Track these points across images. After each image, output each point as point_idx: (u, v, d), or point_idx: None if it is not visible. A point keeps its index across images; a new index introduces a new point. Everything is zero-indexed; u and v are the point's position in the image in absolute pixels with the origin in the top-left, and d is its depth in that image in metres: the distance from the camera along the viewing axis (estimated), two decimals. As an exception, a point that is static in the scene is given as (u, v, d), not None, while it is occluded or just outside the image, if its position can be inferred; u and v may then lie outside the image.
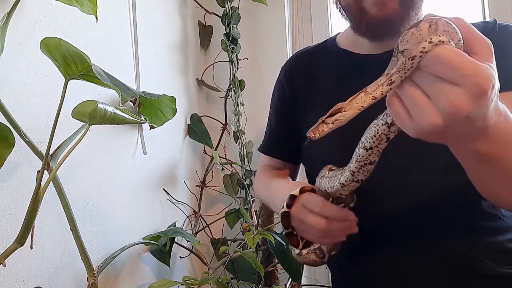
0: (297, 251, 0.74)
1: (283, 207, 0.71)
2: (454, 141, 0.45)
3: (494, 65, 0.41)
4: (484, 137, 0.44)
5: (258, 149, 1.04)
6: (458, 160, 0.51)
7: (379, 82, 0.46)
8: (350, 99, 0.48)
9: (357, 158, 0.55)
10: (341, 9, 0.80)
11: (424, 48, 0.40)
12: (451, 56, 0.38)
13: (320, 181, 0.68)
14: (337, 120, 0.48)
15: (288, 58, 0.99)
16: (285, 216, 0.71)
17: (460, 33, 0.41)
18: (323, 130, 0.49)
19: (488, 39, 0.43)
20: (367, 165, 0.54)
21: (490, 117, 0.42)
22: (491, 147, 0.45)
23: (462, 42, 0.41)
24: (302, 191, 0.71)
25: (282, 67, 0.97)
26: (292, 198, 0.71)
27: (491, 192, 0.56)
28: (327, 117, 0.49)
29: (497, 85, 0.41)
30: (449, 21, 0.41)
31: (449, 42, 0.40)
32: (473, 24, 0.78)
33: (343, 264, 0.83)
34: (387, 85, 0.44)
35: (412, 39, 0.41)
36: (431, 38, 0.39)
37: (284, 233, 0.73)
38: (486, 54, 0.41)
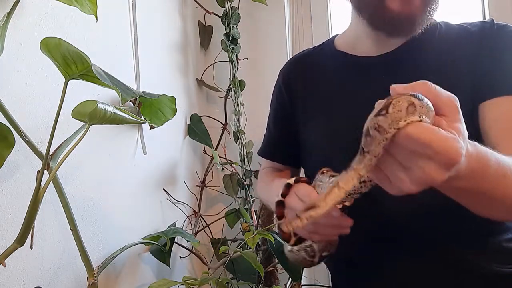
0: (288, 247, 0.73)
1: (277, 196, 0.70)
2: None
3: (461, 123, 0.44)
4: (459, 179, 0.47)
5: (257, 153, 1.03)
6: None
7: (351, 175, 0.47)
8: (324, 194, 0.48)
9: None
10: (356, 3, 0.79)
11: (399, 126, 0.42)
12: (424, 134, 0.41)
13: (316, 186, 0.68)
14: (311, 216, 0.48)
15: (287, 61, 0.98)
16: (279, 205, 0.69)
17: (432, 107, 0.43)
18: (297, 225, 0.49)
19: (453, 97, 0.46)
20: (357, 194, 0.53)
21: (461, 167, 0.45)
22: (469, 183, 0.49)
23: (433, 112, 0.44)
24: (297, 181, 0.70)
25: (280, 71, 0.97)
26: (288, 186, 0.69)
27: (480, 212, 0.59)
28: (304, 212, 0.49)
29: (465, 136, 0.45)
30: (423, 99, 0.43)
31: (424, 118, 0.42)
32: (470, 24, 0.80)
33: (342, 264, 0.83)
34: (358, 179, 0.47)
35: (389, 119, 0.42)
36: (406, 119, 0.42)
37: (277, 224, 0.71)
38: (453, 113, 0.44)
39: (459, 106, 0.46)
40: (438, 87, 0.46)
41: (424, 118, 0.42)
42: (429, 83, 0.46)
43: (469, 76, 0.72)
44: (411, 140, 0.41)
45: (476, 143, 0.50)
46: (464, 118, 0.56)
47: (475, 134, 0.70)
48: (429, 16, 0.74)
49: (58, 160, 0.80)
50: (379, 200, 0.70)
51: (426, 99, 0.43)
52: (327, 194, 0.48)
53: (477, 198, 0.54)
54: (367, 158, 0.45)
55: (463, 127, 0.44)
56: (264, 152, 1.00)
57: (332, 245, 0.70)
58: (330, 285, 1.17)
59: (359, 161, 0.46)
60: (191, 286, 1.06)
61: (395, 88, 0.46)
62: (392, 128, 0.42)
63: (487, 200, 0.55)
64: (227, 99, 1.62)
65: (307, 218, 0.48)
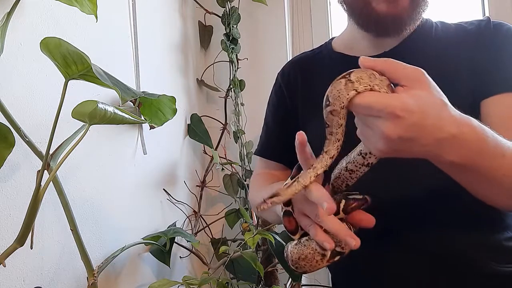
0: (295, 241, 0.64)
1: (287, 180, 0.63)
2: (422, 155, 0.51)
3: (422, 90, 0.48)
4: (449, 148, 0.49)
5: (254, 153, 1.00)
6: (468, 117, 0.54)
7: (310, 172, 0.56)
8: (286, 186, 0.57)
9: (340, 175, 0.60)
10: (345, 5, 0.80)
11: (347, 99, 0.50)
12: (365, 99, 0.48)
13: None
14: (273, 201, 0.56)
15: (285, 63, 0.98)
16: (286, 215, 0.64)
17: (386, 79, 0.49)
18: (263, 207, 0.56)
19: (418, 70, 0.50)
20: (350, 182, 0.60)
21: (443, 129, 0.48)
22: (463, 158, 0.50)
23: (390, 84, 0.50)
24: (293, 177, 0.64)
25: (278, 73, 0.96)
26: (299, 169, 0.62)
27: (481, 195, 0.59)
28: (268, 198, 0.57)
29: (436, 100, 0.48)
30: (372, 73, 0.50)
31: (375, 87, 0.49)
32: (467, 22, 0.80)
33: (343, 264, 0.83)
34: (314, 174, 0.56)
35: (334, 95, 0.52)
36: (348, 93, 0.50)
37: (282, 212, 0.64)
38: (413, 84, 0.48)
39: (425, 78, 0.49)
40: (402, 63, 0.50)
41: (376, 88, 0.49)
42: (392, 60, 0.51)
43: (469, 75, 0.73)
44: (357, 107, 0.49)
45: (471, 118, 0.51)
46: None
47: None
48: (418, 16, 0.75)
49: (58, 160, 0.80)
50: (379, 200, 0.70)
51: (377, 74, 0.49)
52: (288, 187, 0.57)
53: (475, 177, 0.54)
54: (325, 159, 0.55)
55: (424, 93, 0.48)
56: (262, 151, 0.98)
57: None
58: (330, 285, 1.17)
59: (320, 160, 0.56)
60: (191, 286, 1.06)
61: (362, 60, 0.52)
62: (345, 98, 0.50)
63: (486, 180, 0.54)
64: (227, 99, 1.62)
65: (271, 202, 0.56)
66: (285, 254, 0.65)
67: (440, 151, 0.49)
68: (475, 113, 0.71)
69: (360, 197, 0.61)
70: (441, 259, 0.71)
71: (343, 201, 0.60)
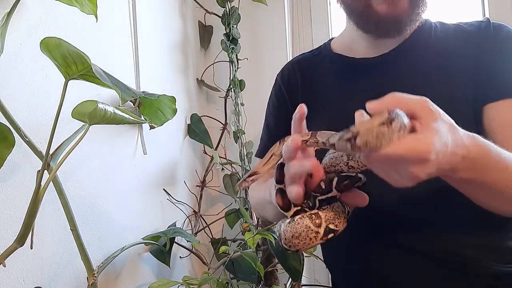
0: (288, 219, 0.62)
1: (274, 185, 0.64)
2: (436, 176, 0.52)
3: (435, 121, 0.48)
4: (459, 169, 0.52)
5: (255, 155, 1.00)
6: (471, 133, 0.56)
7: (274, 149, 0.63)
8: (262, 163, 0.64)
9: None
10: (344, 6, 0.80)
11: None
12: (394, 151, 0.45)
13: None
14: (253, 179, 0.63)
15: (285, 64, 0.98)
16: (280, 168, 0.63)
17: (404, 116, 0.47)
18: (245, 185, 0.63)
19: (423, 99, 0.50)
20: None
21: (457, 153, 0.50)
22: (471, 174, 0.54)
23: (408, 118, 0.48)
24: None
25: (278, 74, 0.96)
26: (280, 168, 0.62)
27: (486, 205, 0.62)
28: (248, 177, 0.63)
29: (447, 125, 0.49)
30: (395, 115, 0.47)
31: (399, 131, 0.46)
32: (465, 23, 0.80)
33: (342, 264, 0.83)
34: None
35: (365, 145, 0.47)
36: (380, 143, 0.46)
37: (275, 190, 0.63)
38: (426, 114, 0.48)
39: (430, 105, 0.49)
40: (405, 95, 0.50)
41: (400, 131, 0.46)
42: (397, 94, 0.50)
43: (470, 76, 0.73)
44: (386, 160, 0.46)
45: (476, 135, 0.54)
46: (465, 117, 0.62)
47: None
48: (418, 17, 0.74)
49: (58, 160, 0.80)
50: (378, 199, 0.70)
51: (397, 112, 0.47)
52: (265, 163, 0.63)
53: (481, 189, 0.58)
54: (309, 137, 0.57)
55: (439, 123, 0.48)
56: (263, 152, 0.98)
57: (339, 219, 0.61)
58: (330, 285, 1.17)
59: (303, 135, 0.58)
60: (191, 286, 1.06)
61: (370, 106, 0.50)
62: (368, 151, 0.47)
63: (490, 191, 0.58)
64: (227, 99, 1.62)
65: (251, 180, 0.63)
66: (277, 233, 0.64)
67: (452, 171, 0.52)
68: (476, 114, 0.72)
69: (353, 175, 0.59)
70: (442, 260, 0.71)
71: (336, 178, 0.59)
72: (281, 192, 0.62)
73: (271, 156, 0.63)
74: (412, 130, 0.47)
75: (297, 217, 0.61)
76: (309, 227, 0.60)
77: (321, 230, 0.60)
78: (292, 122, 0.60)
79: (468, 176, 0.54)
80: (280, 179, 0.62)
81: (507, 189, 0.58)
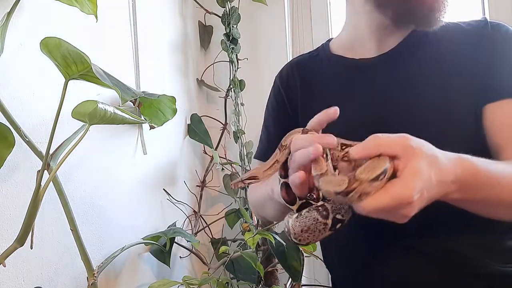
0: (295, 215, 0.63)
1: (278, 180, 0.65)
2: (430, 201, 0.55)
3: (417, 158, 0.51)
4: (451, 192, 0.55)
5: (254, 157, 0.99)
6: (458, 155, 0.58)
7: (277, 156, 0.64)
8: (264, 169, 0.64)
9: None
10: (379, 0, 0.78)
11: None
12: (378, 204, 0.49)
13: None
14: (250, 183, 0.65)
15: (284, 65, 0.97)
16: (284, 162, 0.64)
17: (386, 164, 0.50)
18: (240, 186, 0.65)
19: (402, 136, 0.53)
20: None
21: (444, 180, 0.53)
22: (462, 194, 0.56)
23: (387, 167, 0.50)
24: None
25: (277, 76, 0.96)
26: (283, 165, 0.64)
27: (484, 214, 0.64)
28: (246, 179, 0.64)
29: (428, 160, 0.52)
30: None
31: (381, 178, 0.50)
32: (463, 22, 0.80)
33: (342, 264, 0.83)
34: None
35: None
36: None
37: (279, 184, 0.64)
38: (406, 153, 0.51)
39: (411, 142, 0.52)
40: (385, 135, 0.52)
41: (382, 178, 0.50)
42: (378, 136, 0.52)
43: (469, 76, 0.73)
44: (372, 213, 0.50)
45: (462, 155, 0.57)
46: (464, 115, 0.66)
47: (479, 134, 0.71)
48: (445, 10, 0.75)
49: (58, 160, 0.80)
50: None
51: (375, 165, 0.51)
52: (266, 169, 0.63)
53: (475, 204, 0.61)
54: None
55: (420, 161, 0.51)
56: (263, 154, 0.97)
57: (345, 209, 0.62)
58: (330, 285, 1.17)
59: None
60: (191, 286, 1.06)
61: (353, 153, 0.52)
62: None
63: (484, 205, 0.61)
64: (227, 99, 1.62)
65: (248, 183, 0.64)
66: (285, 229, 0.64)
67: (443, 194, 0.55)
68: (477, 113, 0.72)
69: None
70: (442, 260, 0.71)
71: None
72: (286, 186, 0.63)
73: (274, 162, 0.63)
74: (395, 170, 0.51)
75: (304, 211, 0.62)
76: (317, 219, 0.60)
77: (329, 221, 0.60)
78: (317, 116, 0.62)
79: (460, 196, 0.57)
80: (284, 174, 0.63)
81: (501, 202, 0.60)
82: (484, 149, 0.71)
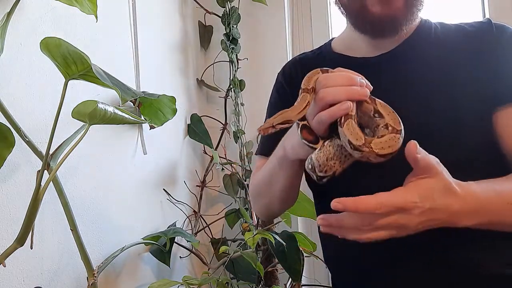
0: (316, 150, 0.63)
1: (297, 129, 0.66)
2: (441, 225, 0.59)
3: (430, 179, 0.56)
4: (461, 217, 0.58)
5: (256, 153, 0.99)
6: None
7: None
8: (296, 112, 0.63)
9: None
10: (342, 7, 0.80)
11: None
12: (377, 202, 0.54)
13: None
14: (283, 127, 0.64)
15: (285, 63, 0.97)
16: (303, 129, 0.66)
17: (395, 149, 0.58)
18: (271, 132, 0.63)
19: (431, 158, 0.56)
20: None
21: (453, 206, 0.57)
22: (474, 220, 0.59)
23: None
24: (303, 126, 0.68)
25: (278, 73, 0.96)
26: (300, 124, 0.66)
27: (498, 230, 0.65)
28: (277, 125, 0.63)
29: (443, 184, 0.57)
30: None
31: None
32: (466, 23, 0.80)
33: (343, 264, 0.83)
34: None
35: None
36: None
37: (299, 129, 0.65)
38: (425, 172, 0.57)
39: (439, 164, 0.57)
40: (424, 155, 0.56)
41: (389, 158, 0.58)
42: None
43: (473, 76, 0.72)
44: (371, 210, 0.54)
45: (472, 183, 0.60)
46: (467, 115, 0.69)
47: (486, 138, 0.71)
48: (414, 16, 0.74)
49: (58, 160, 0.80)
50: None
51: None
52: (299, 112, 0.63)
53: (490, 225, 0.62)
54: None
55: (431, 182, 0.56)
56: (264, 149, 0.97)
57: (361, 134, 0.63)
58: (330, 285, 1.17)
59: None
60: (191, 286, 1.06)
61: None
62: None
63: (499, 224, 0.63)
64: (227, 99, 1.62)
65: (280, 128, 0.63)
66: (308, 166, 0.64)
67: (455, 221, 0.58)
68: (484, 114, 0.71)
69: None
70: (445, 261, 0.70)
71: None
72: (306, 128, 0.65)
73: (306, 105, 0.63)
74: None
75: (326, 142, 0.64)
76: (340, 145, 0.62)
77: (351, 146, 0.60)
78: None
79: (473, 222, 0.59)
80: (302, 118, 0.65)
81: None
82: (491, 153, 0.71)
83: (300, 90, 0.65)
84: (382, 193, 0.55)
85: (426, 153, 0.56)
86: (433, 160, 0.57)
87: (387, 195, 0.55)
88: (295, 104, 0.64)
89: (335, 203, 0.54)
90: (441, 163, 0.57)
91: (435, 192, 0.56)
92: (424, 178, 0.56)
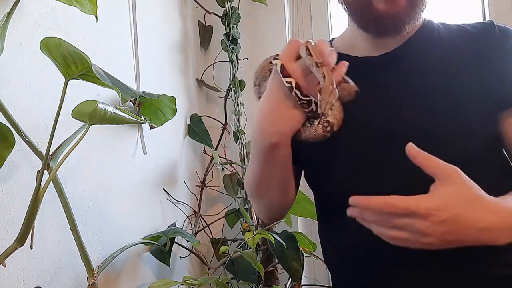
0: (315, 122, 0.66)
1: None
2: (474, 242, 0.58)
3: (451, 186, 0.56)
4: (498, 233, 0.56)
5: None
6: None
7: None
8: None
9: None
10: (345, 5, 0.80)
11: None
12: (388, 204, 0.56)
13: None
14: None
15: None
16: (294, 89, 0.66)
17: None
18: (334, 99, 0.64)
19: (451, 167, 0.56)
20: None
21: (483, 219, 0.55)
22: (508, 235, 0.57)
23: None
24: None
25: None
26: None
27: None
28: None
29: (469, 195, 0.56)
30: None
31: None
32: (468, 24, 0.80)
33: (343, 264, 0.83)
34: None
35: None
36: None
37: (302, 104, 0.66)
38: (445, 180, 0.56)
39: (458, 174, 0.56)
40: (438, 161, 0.57)
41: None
42: (429, 157, 0.57)
43: (475, 77, 0.72)
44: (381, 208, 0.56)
45: (498, 200, 0.58)
46: (469, 116, 0.68)
47: (487, 139, 0.71)
48: (417, 16, 0.74)
49: (58, 160, 0.80)
50: None
51: None
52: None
53: None
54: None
55: (451, 190, 0.55)
56: None
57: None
58: (330, 285, 1.17)
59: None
60: (191, 286, 1.06)
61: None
62: None
63: None
64: (227, 99, 1.62)
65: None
66: (327, 129, 0.66)
67: (490, 237, 0.56)
68: (490, 121, 0.71)
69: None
70: (443, 261, 0.70)
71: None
72: (310, 103, 0.66)
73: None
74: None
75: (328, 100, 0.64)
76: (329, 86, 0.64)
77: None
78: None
79: (510, 240, 0.57)
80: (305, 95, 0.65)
81: None
82: (492, 154, 0.71)
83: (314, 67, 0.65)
84: (399, 196, 0.55)
85: (446, 163, 0.56)
86: (453, 168, 0.56)
87: (400, 197, 0.55)
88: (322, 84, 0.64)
89: (351, 200, 0.57)
90: (464, 174, 0.56)
91: (455, 202, 0.55)
92: (445, 186, 0.55)
